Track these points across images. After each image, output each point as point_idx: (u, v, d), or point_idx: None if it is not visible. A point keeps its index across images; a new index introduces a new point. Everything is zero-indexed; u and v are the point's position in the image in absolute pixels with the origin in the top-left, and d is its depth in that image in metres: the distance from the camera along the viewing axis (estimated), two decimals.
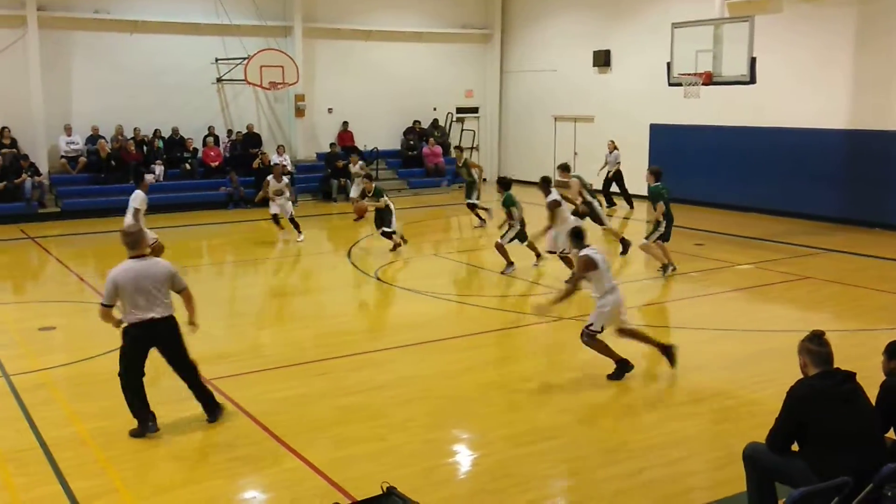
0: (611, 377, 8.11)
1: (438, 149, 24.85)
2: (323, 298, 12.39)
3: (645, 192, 13.98)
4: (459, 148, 22.71)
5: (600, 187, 19.76)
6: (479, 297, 12.01)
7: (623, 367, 8.14)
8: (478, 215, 17.99)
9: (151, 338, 6.70)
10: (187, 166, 21.57)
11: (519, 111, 26.81)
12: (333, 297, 12.40)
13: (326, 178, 22.91)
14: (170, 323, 6.75)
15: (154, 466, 6.33)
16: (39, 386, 8.03)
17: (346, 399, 7.71)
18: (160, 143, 21.81)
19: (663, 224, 12.47)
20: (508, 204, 12.79)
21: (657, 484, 5.97)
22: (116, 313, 6.74)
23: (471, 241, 17.12)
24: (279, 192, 15.99)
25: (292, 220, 16.05)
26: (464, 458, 6.76)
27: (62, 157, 20.71)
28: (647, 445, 6.65)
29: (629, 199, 20.54)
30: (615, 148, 20.87)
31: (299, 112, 23.62)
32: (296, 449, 6.54)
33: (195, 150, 22.03)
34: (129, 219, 12.35)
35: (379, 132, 24.54)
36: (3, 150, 19.39)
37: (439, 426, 7.20)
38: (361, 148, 23.73)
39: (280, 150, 22.40)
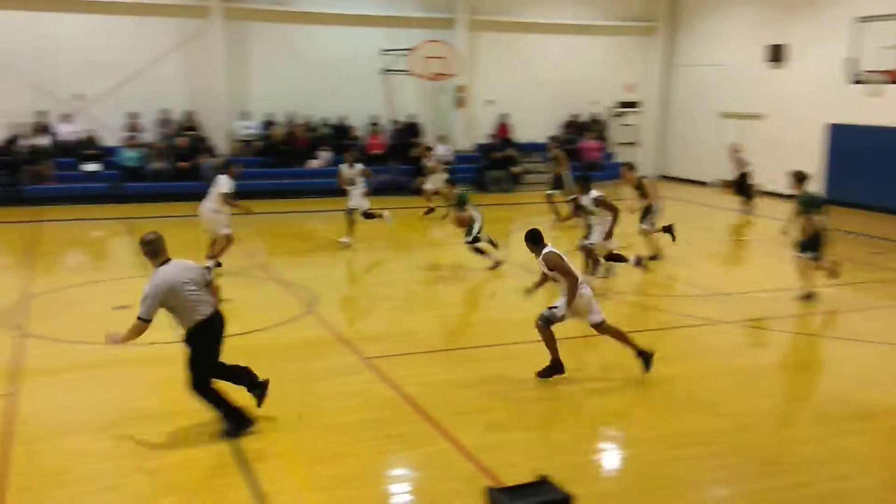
0: (540, 375, 7.89)
1: (596, 143, 24.52)
2: (471, 286, 12.54)
3: (783, 193, 13.06)
4: (555, 140, 22.20)
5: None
6: (627, 295, 11.79)
7: (556, 367, 7.89)
8: (556, 211, 17.41)
9: (220, 330, 6.56)
10: (351, 154, 22.34)
11: (684, 107, 26.01)
12: (481, 285, 12.54)
13: (482, 168, 23.16)
14: (222, 316, 6.62)
15: (313, 436, 6.66)
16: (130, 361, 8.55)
17: (493, 386, 7.81)
18: (328, 130, 22.77)
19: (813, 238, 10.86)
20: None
21: (823, 500, 5.68)
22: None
23: (626, 239, 16.78)
24: (351, 183, 15.09)
25: (365, 214, 15.09)
26: (615, 454, 6.70)
27: (238, 140, 22.06)
28: (809, 459, 6.35)
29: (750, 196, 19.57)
30: (739, 150, 19.88)
31: (460, 103, 23.96)
32: (448, 431, 6.71)
33: (358, 137, 22.85)
34: (209, 204, 12.38)
35: (536, 125, 24.50)
36: (188, 133, 20.87)
37: (583, 422, 7.17)
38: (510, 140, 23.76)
39: (441, 139, 22.86)
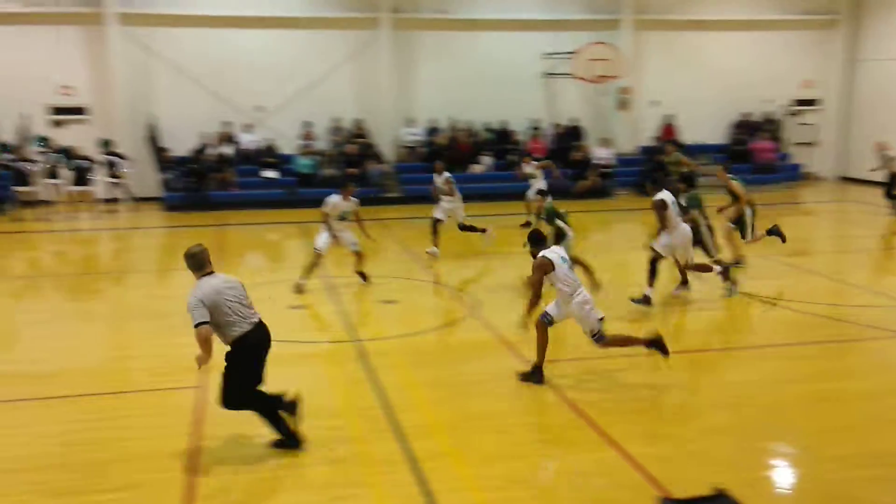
0: (523, 377, 7.85)
1: (770, 144, 23.36)
2: (631, 293, 12.26)
3: None
4: (672, 142, 21.04)
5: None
6: (802, 303, 11.15)
7: (538, 373, 7.81)
8: None
9: (265, 339, 6.40)
10: (512, 158, 22.55)
11: (868, 104, 24.29)
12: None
13: (646, 172, 22.62)
14: (267, 334, 6.45)
15: (479, 436, 6.78)
16: (384, 353, 8.95)
17: (659, 394, 7.64)
18: (489, 135, 23.03)
19: None
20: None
21: None
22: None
23: (798, 244, 15.89)
24: (445, 192, 14.43)
25: (464, 226, 14.40)
26: (789, 472, 6.39)
27: (404, 146, 22.74)
28: None
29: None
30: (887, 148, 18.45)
31: (623, 105, 23.55)
32: (613, 438, 6.63)
33: (519, 141, 22.97)
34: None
35: (704, 125, 23.68)
36: (358, 140, 21.75)
37: (759, 436, 6.86)
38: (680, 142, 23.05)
39: (603, 143, 22.57)
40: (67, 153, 19.54)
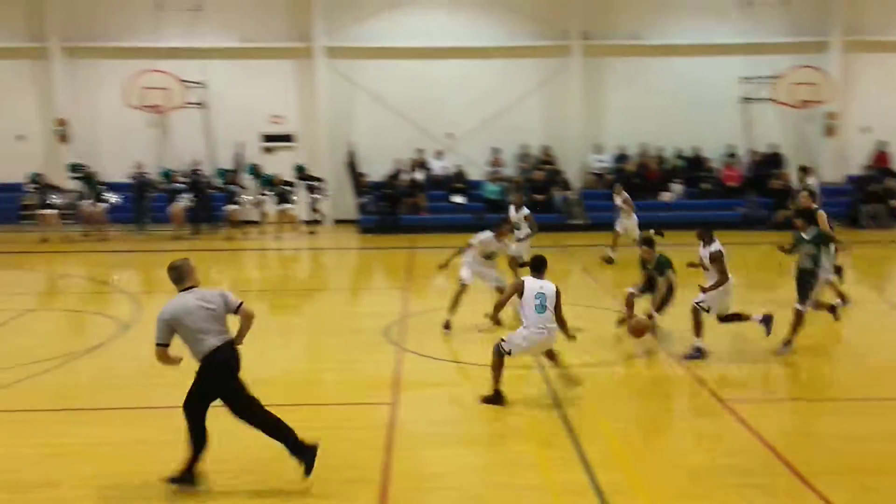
0: (486, 400, 7.98)
1: None
2: (835, 328, 11.41)
3: None
4: (804, 169, 18.87)
5: None
6: None
7: (498, 398, 7.99)
8: None
9: (234, 358, 6.30)
10: (705, 185, 21.79)
11: None
12: (858, 333, 11.36)
13: (855, 202, 21.08)
14: (235, 354, 6.33)
15: (669, 474, 6.54)
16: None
17: (869, 444, 7.04)
18: (681, 163, 22.38)
19: None
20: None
21: None
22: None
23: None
24: (517, 227, 13.73)
25: (521, 264, 13.01)
26: None
27: (591, 173, 22.57)
28: None
29: None
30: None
31: (830, 131, 22.13)
32: (817, 488, 6.19)
33: (714, 169, 22.15)
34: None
35: None
36: (545, 167, 21.84)
37: None
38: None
39: (806, 171, 21.28)
40: (272, 178, 21.00)
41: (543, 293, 7.89)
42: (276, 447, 7.03)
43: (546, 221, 20.81)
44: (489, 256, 11.42)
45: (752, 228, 20.57)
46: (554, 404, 8.09)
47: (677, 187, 21.77)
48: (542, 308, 7.86)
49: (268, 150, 22.65)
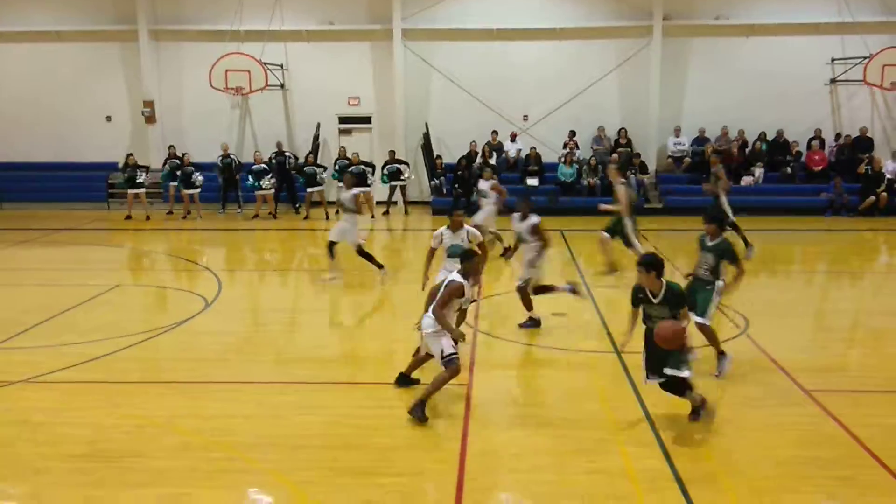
0: (398, 382, 8.08)
1: None
2: None
3: None
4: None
5: None
6: None
7: (407, 378, 8.11)
8: None
9: None
10: (788, 170, 21.13)
11: None
12: None
13: None
14: None
15: (752, 464, 6.40)
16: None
17: None
18: (763, 146, 21.73)
19: None
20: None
21: None
22: None
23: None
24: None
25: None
26: None
27: (669, 156, 22.12)
28: None
29: None
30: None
31: None
32: None
33: (798, 153, 21.44)
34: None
35: None
36: (619, 150, 21.48)
37: None
38: None
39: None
40: (349, 160, 21.22)
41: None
42: (354, 424, 7.16)
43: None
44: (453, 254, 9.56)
45: (836, 214, 19.90)
46: (632, 391, 7.99)
47: (758, 171, 21.16)
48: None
49: (345, 131, 22.92)
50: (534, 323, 10.30)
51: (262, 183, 20.66)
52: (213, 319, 11.06)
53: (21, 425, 7.27)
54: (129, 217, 20.35)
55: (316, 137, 22.38)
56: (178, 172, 20.68)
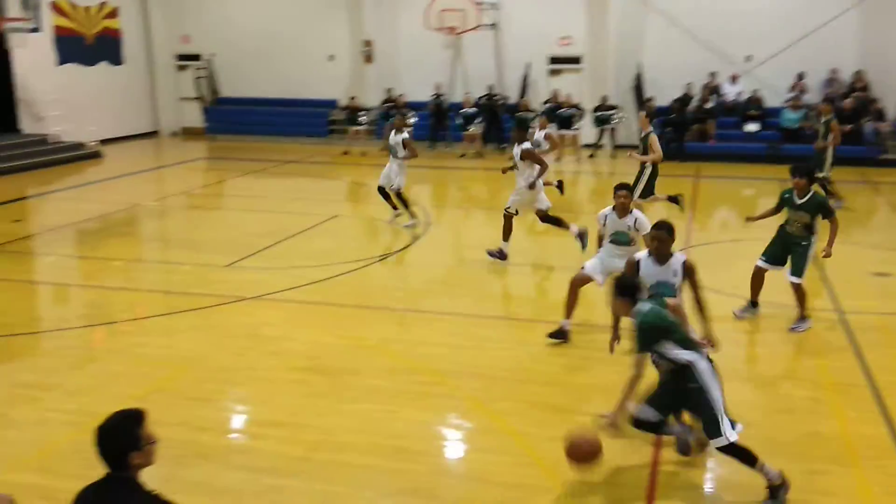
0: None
1: None
2: None
3: None
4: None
5: None
6: None
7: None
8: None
9: None
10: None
11: None
12: None
13: None
14: None
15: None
16: (872, 328, 8.13)
17: None
18: None
19: None
20: None
21: None
22: None
23: None
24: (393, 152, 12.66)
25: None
26: None
27: None
28: None
29: None
30: None
31: None
32: None
33: None
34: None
35: None
36: (856, 94, 19.67)
37: None
38: None
39: None
40: (558, 102, 20.96)
41: None
42: (553, 362, 7.25)
43: (853, 154, 18.95)
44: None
45: None
46: (853, 350, 7.47)
47: None
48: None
49: (554, 72, 22.63)
50: (500, 255, 10.46)
51: (469, 127, 20.97)
52: (422, 252, 11.53)
53: (253, 338, 8.02)
54: (346, 153, 21.43)
55: (525, 78, 22.30)
56: (392, 112, 21.46)
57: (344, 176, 19.05)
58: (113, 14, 23.41)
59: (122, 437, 3.27)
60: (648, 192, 12.49)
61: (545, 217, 10.68)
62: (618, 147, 21.46)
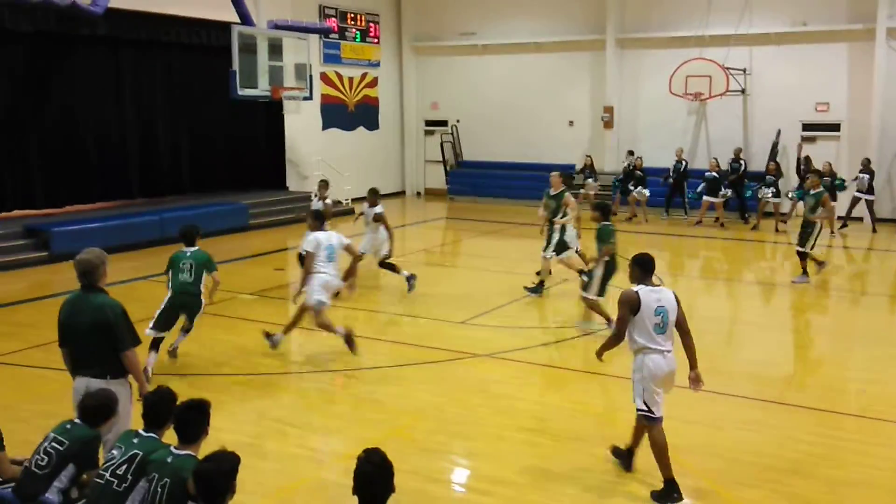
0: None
1: None
2: None
3: None
4: None
5: None
6: None
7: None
8: None
9: None
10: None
11: None
12: None
13: None
14: None
15: None
16: None
17: None
18: None
19: None
20: None
21: None
22: None
23: None
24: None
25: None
26: None
27: None
28: None
29: None
30: None
31: None
32: None
33: None
34: None
35: None
36: None
37: None
38: None
39: None
40: (820, 173, 19.33)
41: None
42: (800, 449, 6.75)
43: None
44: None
45: None
46: None
47: None
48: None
49: (808, 139, 21.29)
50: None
51: (713, 193, 20.09)
52: None
53: (483, 394, 8.20)
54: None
55: (775, 145, 21.20)
56: (631, 177, 21.22)
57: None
58: (373, 83, 25.49)
59: (228, 480, 3.67)
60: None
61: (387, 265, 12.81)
62: (878, 220, 19.61)
